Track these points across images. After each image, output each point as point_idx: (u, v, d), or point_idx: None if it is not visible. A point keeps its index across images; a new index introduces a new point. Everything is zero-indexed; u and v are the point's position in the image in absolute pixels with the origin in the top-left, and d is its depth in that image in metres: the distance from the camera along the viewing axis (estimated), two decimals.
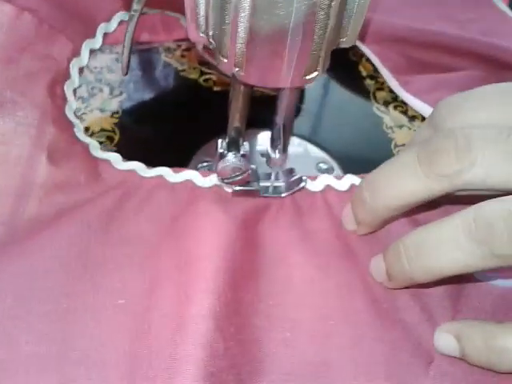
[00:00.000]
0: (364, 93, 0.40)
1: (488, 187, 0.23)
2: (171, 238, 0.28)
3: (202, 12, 0.23)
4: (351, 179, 0.31)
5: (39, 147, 0.29)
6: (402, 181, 0.25)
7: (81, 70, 0.36)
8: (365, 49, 0.41)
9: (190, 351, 0.22)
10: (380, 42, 0.41)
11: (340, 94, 0.40)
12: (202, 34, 0.24)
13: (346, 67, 0.42)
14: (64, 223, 0.27)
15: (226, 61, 0.23)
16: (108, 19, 0.37)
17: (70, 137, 0.31)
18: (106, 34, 0.37)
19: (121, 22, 0.38)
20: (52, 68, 0.33)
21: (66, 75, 0.34)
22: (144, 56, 0.40)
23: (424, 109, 0.38)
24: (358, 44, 0.42)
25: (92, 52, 0.37)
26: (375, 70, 0.41)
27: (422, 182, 0.24)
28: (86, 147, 0.31)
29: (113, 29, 0.37)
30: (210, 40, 0.24)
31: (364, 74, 0.42)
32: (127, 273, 0.26)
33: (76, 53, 0.35)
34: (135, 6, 0.23)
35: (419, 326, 0.26)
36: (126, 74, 0.26)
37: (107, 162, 0.30)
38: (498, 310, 0.27)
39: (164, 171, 0.31)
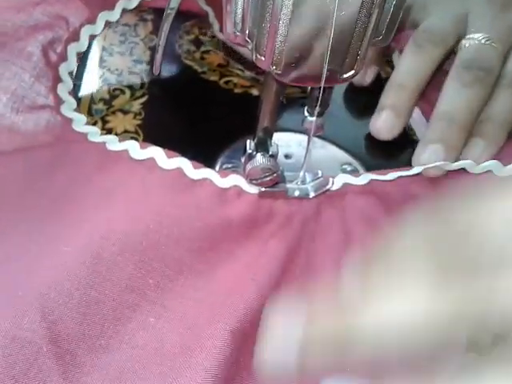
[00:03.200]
0: None
1: None
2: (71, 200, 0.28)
3: (239, 10, 0.23)
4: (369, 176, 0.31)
5: (3, 90, 0.31)
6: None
7: (91, 38, 0.36)
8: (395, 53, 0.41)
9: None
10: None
11: (362, 96, 0.40)
12: (238, 33, 0.24)
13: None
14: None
15: (263, 59, 0.23)
16: None
17: (48, 91, 0.32)
18: (124, 11, 0.37)
19: (142, 2, 0.37)
20: (61, 27, 0.34)
21: (75, 38, 0.35)
22: (164, 58, 0.40)
23: (416, 118, 0.38)
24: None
25: (110, 50, 0.36)
26: None
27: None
28: (59, 103, 0.32)
29: (133, 6, 0.37)
30: (246, 39, 0.24)
31: (384, 76, 0.42)
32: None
33: (91, 21, 0.35)
34: (172, 4, 0.23)
35: None
36: (159, 73, 0.26)
37: (71, 120, 0.32)
38: None
39: (108, 138, 0.31)
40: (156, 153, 0.30)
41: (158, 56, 0.25)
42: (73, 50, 0.34)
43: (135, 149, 0.30)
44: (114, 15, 0.36)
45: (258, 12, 0.22)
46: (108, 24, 0.36)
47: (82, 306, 0.23)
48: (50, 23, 0.33)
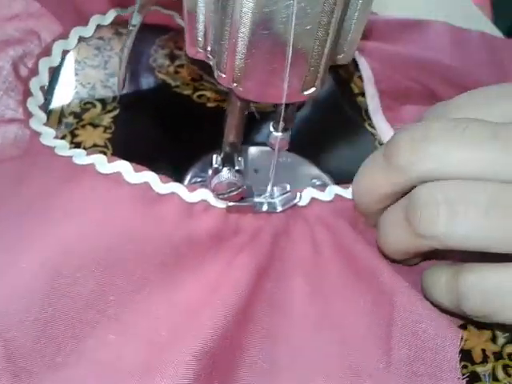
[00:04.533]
0: (356, 110, 0.40)
1: (442, 178, 0.24)
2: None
3: (201, 27, 0.23)
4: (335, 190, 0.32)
5: None
6: (370, 175, 0.27)
7: (64, 53, 0.37)
8: (363, 62, 0.42)
9: None
10: (382, 60, 0.41)
11: (333, 111, 0.40)
12: (200, 50, 0.24)
13: (337, 85, 0.43)
14: None
15: (224, 76, 0.23)
16: (104, 12, 0.38)
17: (18, 104, 0.33)
18: (99, 27, 0.38)
19: (116, 17, 0.38)
20: (32, 42, 0.34)
21: (47, 53, 0.35)
22: (137, 72, 0.40)
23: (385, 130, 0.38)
24: (358, 56, 0.42)
25: (82, 62, 0.37)
26: None
27: (384, 174, 0.25)
28: (28, 117, 0.33)
29: (107, 22, 0.37)
30: (208, 55, 0.24)
31: (356, 91, 0.42)
32: None
33: (64, 36, 0.36)
34: (134, 21, 0.23)
35: None
36: (123, 88, 0.26)
37: (40, 134, 0.32)
38: None
39: (76, 152, 0.31)
40: (123, 167, 0.30)
41: (121, 72, 0.25)
42: (45, 64, 0.35)
43: (102, 163, 0.30)
44: (88, 31, 0.36)
45: (218, 29, 0.22)
46: (82, 39, 0.36)
47: (38, 324, 0.22)
48: (22, 38, 0.34)
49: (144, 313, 0.25)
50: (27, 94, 0.33)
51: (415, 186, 0.25)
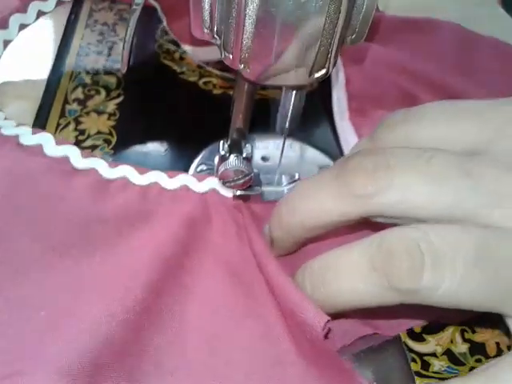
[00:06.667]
0: None
1: (403, 213, 0.21)
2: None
3: (207, 6, 0.22)
4: None
5: None
6: (318, 199, 0.23)
7: (21, 27, 0.35)
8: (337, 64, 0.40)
9: None
10: (360, 61, 0.39)
11: None
12: (206, 30, 0.23)
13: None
14: None
15: (231, 57, 0.23)
16: None
17: None
18: (59, 2, 0.36)
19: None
20: None
21: (4, 26, 0.34)
22: (142, 58, 0.39)
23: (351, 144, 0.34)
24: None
25: (84, 55, 0.36)
26: None
27: (337, 202, 0.22)
28: None
29: None
30: (215, 36, 0.23)
31: None
32: None
33: (21, 10, 0.34)
34: (138, 0, 0.22)
35: None
36: (126, 70, 0.25)
37: None
38: None
39: (5, 124, 0.30)
40: (44, 139, 0.29)
41: (125, 53, 0.24)
42: (1, 37, 0.34)
43: (26, 134, 0.29)
44: (48, 6, 0.35)
45: (224, 8, 0.21)
46: (42, 14, 0.35)
47: None
48: None
49: (32, 291, 0.23)
50: None
51: (366, 218, 0.22)
